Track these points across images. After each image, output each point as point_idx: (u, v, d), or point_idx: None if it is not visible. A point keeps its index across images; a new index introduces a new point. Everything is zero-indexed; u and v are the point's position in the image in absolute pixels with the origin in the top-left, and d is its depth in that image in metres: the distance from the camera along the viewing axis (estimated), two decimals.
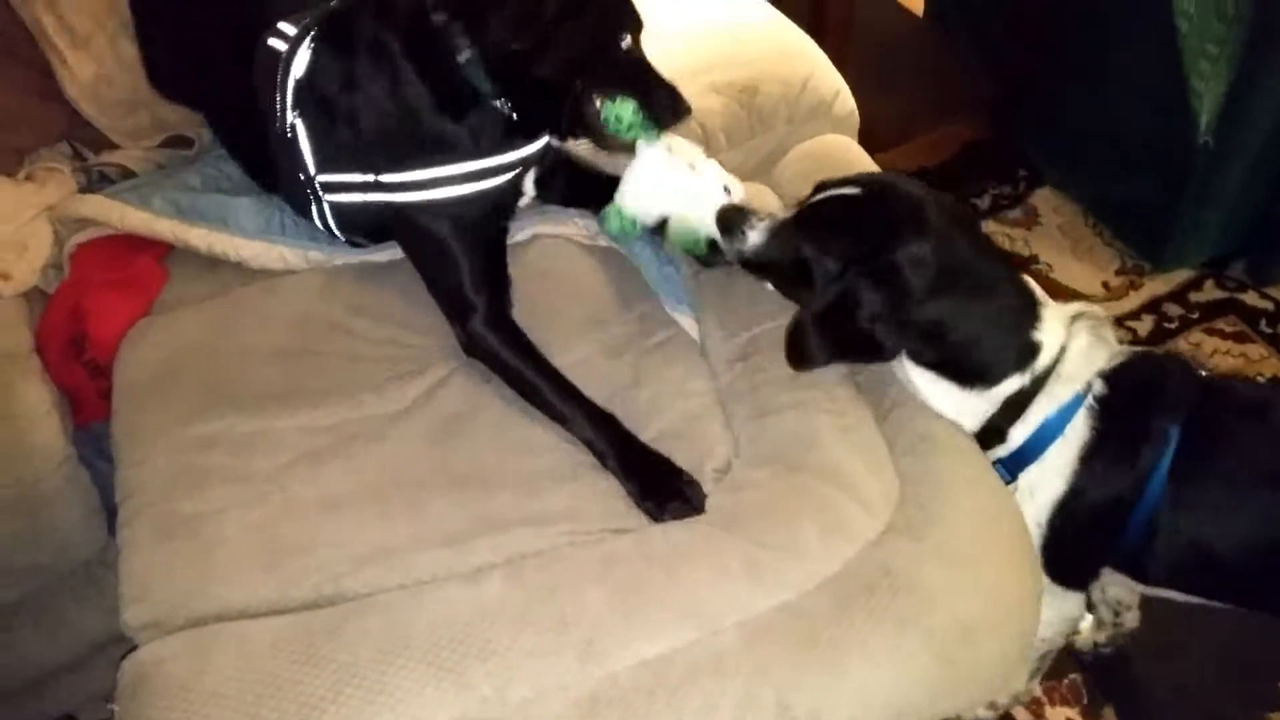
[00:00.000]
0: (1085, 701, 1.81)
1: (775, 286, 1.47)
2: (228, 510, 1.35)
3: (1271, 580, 1.39)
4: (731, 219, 1.45)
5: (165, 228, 1.65)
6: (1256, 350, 2.30)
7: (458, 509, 1.35)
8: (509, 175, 1.52)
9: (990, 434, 1.42)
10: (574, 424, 1.42)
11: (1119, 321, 2.34)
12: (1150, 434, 1.37)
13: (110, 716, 1.26)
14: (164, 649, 1.26)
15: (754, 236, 1.43)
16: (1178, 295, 2.42)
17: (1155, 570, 1.45)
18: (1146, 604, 1.78)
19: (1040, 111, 2.58)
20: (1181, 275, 2.45)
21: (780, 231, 1.41)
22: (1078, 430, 1.38)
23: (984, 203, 2.61)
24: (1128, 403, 1.37)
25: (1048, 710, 1.81)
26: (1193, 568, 1.42)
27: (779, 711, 1.17)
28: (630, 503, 1.36)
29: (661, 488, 1.35)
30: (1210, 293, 2.42)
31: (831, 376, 1.45)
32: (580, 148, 1.66)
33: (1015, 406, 1.39)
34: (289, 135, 1.52)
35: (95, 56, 1.74)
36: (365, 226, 1.58)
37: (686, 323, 1.57)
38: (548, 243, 1.64)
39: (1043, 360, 1.36)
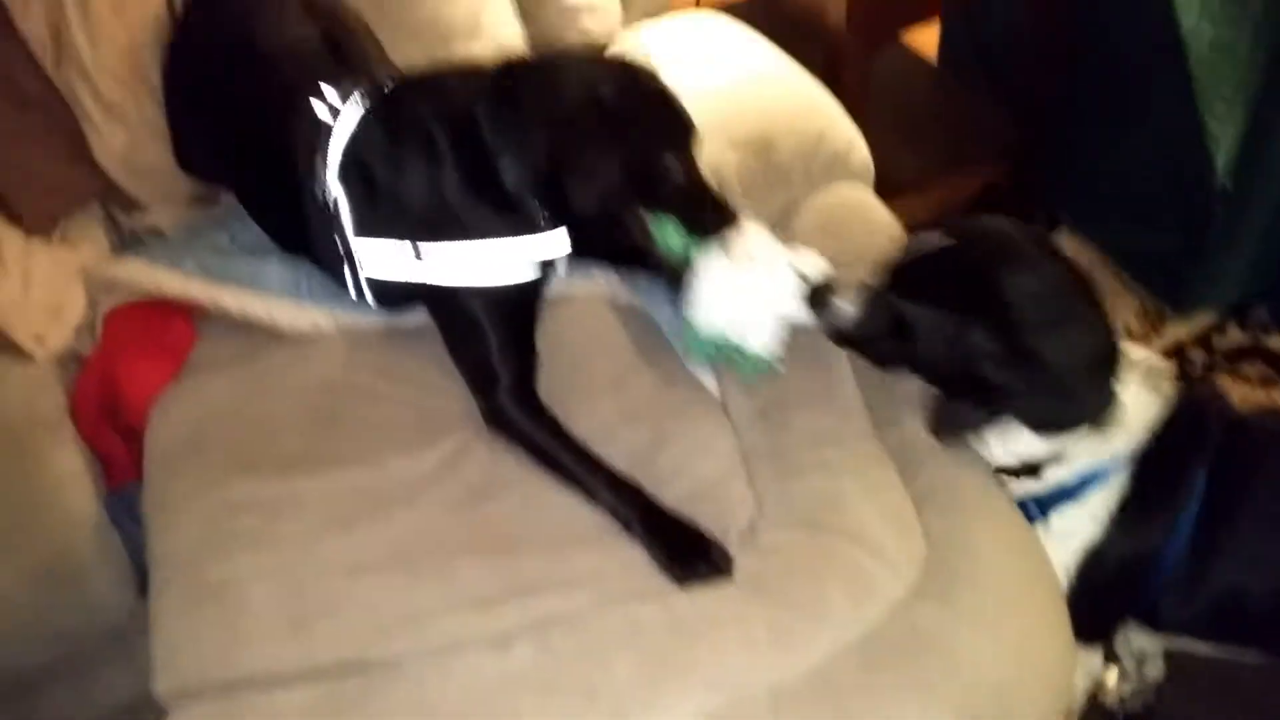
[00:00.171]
0: None
1: (872, 358, 1.43)
2: (256, 576, 1.36)
3: None
4: (820, 296, 1.40)
5: (199, 290, 1.68)
6: None
7: (484, 572, 1.36)
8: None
9: (1023, 469, 1.39)
10: (597, 494, 1.42)
11: None
12: (1184, 481, 1.35)
13: None
14: (194, 716, 1.27)
15: (846, 308, 1.38)
16: (1201, 340, 2.42)
17: (1179, 618, 1.43)
18: (1170, 654, 1.77)
19: (1058, 156, 2.59)
20: (1203, 320, 2.44)
21: (875, 297, 1.37)
22: (1119, 482, 1.36)
23: None
24: (1166, 452, 1.35)
25: None
26: (1222, 614, 1.40)
27: None
28: (656, 567, 1.37)
29: (687, 554, 1.35)
30: (1233, 337, 2.41)
31: (857, 433, 1.45)
32: None
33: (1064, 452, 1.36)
34: (329, 201, 1.53)
35: (127, 124, 1.78)
36: (397, 294, 1.59)
37: (709, 381, 1.58)
38: (570, 302, 1.65)
39: (1115, 415, 1.33)
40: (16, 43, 1.72)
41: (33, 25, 1.71)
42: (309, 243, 1.63)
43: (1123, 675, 1.79)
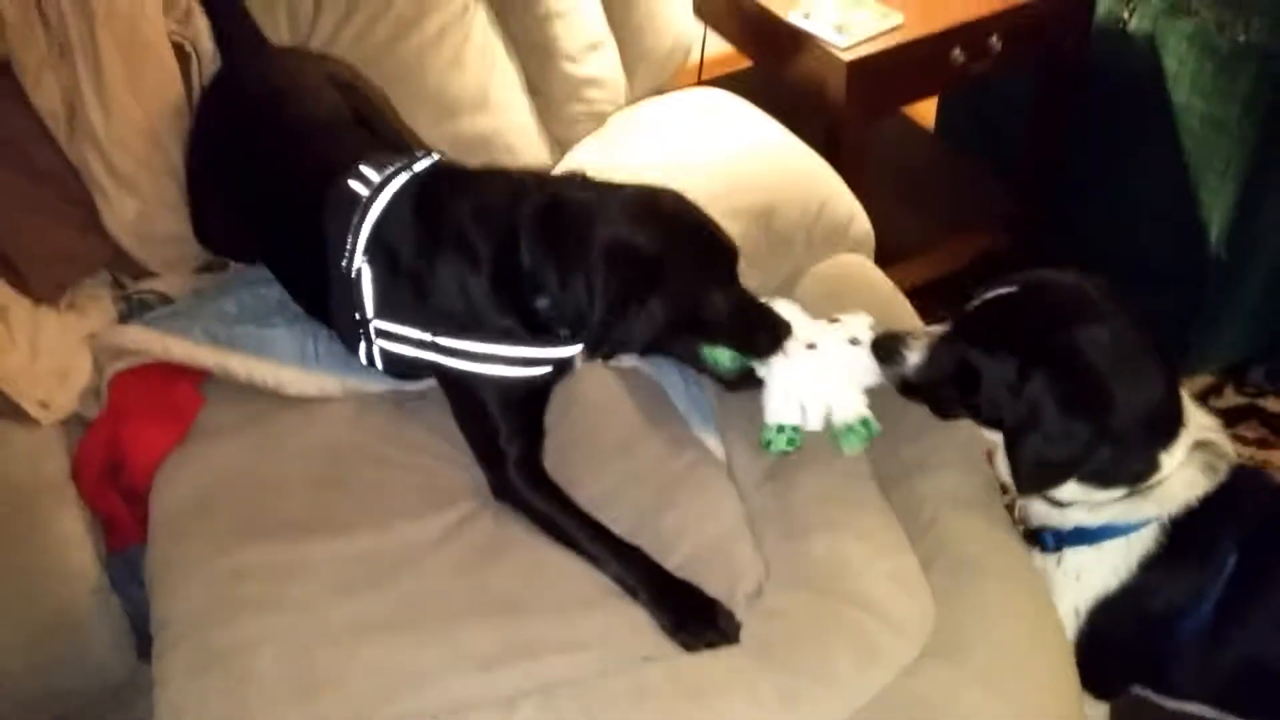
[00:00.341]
0: None
1: (937, 408, 1.44)
2: (262, 641, 1.36)
3: None
4: (886, 347, 1.43)
5: (206, 356, 1.69)
6: None
7: (490, 635, 1.35)
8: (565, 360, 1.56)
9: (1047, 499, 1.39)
10: (603, 563, 1.43)
11: None
12: (1215, 552, 1.34)
13: None
14: None
15: (913, 357, 1.41)
16: (1199, 401, 2.42)
17: (1191, 684, 1.41)
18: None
19: (1056, 223, 2.63)
20: (1201, 381, 2.47)
21: (941, 345, 1.39)
22: (1144, 537, 1.35)
23: None
24: (1201, 525, 1.34)
25: None
26: (1237, 684, 1.38)
27: None
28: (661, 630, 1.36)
29: (694, 619, 1.35)
30: (1230, 399, 2.43)
31: (863, 493, 1.46)
32: None
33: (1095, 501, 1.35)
34: (353, 277, 1.54)
35: (139, 194, 1.80)
36: (410, 370, 1.61)
37: (714, 444, 1.59)
38: (575, 371, 1.66)
39: (1153, 480, 1.32)
40: (28, 115, 1.75)
41: (45, 98, 1.74)
42: (327, 309, 1.65)
43: None
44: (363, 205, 1.54)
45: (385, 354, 1.58)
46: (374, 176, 1.57)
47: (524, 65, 2.10)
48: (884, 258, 1.99)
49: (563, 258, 1.41)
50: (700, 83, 2.49)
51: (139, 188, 1.80)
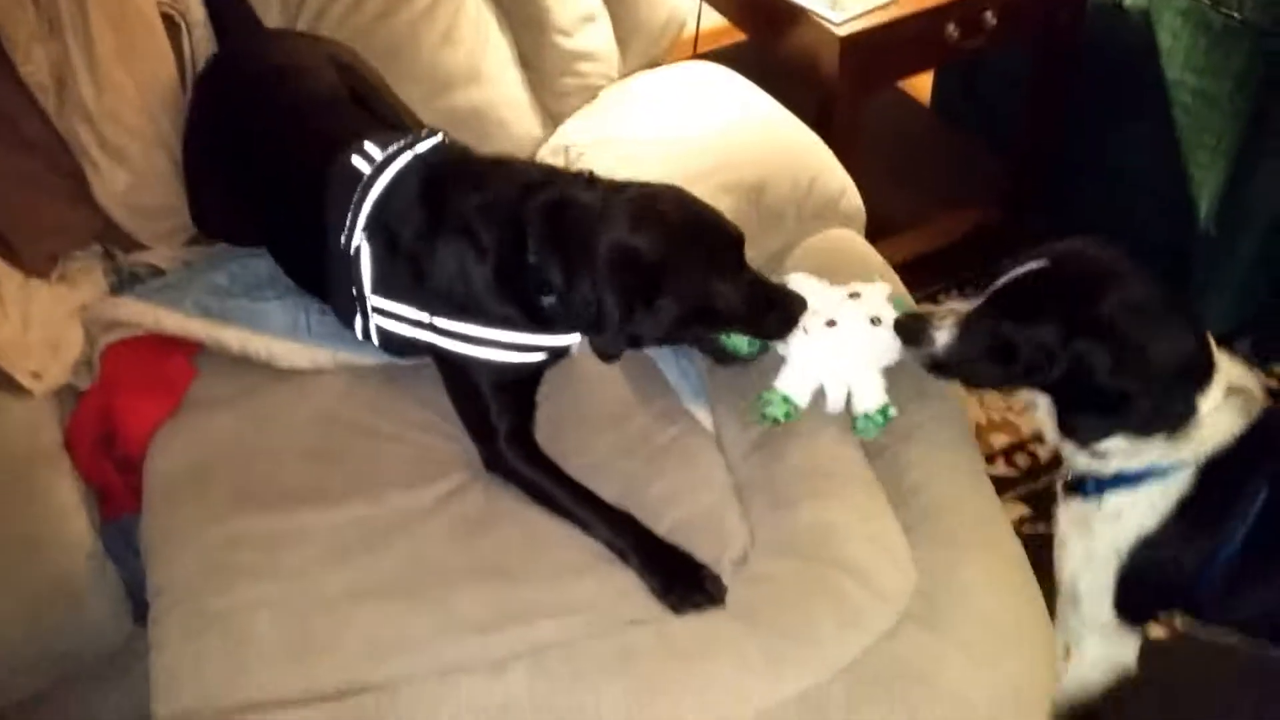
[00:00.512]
0: None
1: (968, 382, 1.48)
2: (257, 606, 1.38)
3: None
4: (911, 329, 1.45)
5: (199, 329, 1.70)
6: None
7: (482, 600, 1.37)
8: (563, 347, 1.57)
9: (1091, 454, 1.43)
10: (593, 528, 1.45)
11: None
12: (1246, 492, 1.39)
13: None
14: None
15: (941, 337, 1.42)
16: None
17: (1219, 610, 1.48)
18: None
19: (1048, 198, 2.64)
20: None
21: (971, 323, 1.41)
22: (1180, 480, 1.40)
23: None
24: (1235, 463, 1.39)
25: None
26: (1264, 612, 1.45)
27: None
28: (649, 594, 1.38)
29: (683, 582, 1.37)
30: None
31: (849, 463, 1.48)
32: None
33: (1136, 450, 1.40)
34: (352, 253, 1.55)
35: (130, 167, 1.80)
36: (407, 348, 1.61)
37: (704, 417, 1.60)
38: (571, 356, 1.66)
39: (1191, 425, 1.37)
40: (17, 87, 1.74)
41: (34, 71, 1.73)
42: (324, 285, 1.66)
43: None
44: (365, 182, 1.55)
45: (382, 332, 1.59)
46: (377, 154, 1.57)
47: (516, 39, 2.09)
48: (876, 232, 2.00)
49: (569, 260, 1.42)
50: (694, 56, 2.49)
51: (130, 159, 1.80)
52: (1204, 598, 1.46)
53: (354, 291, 1.57)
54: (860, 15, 2.11)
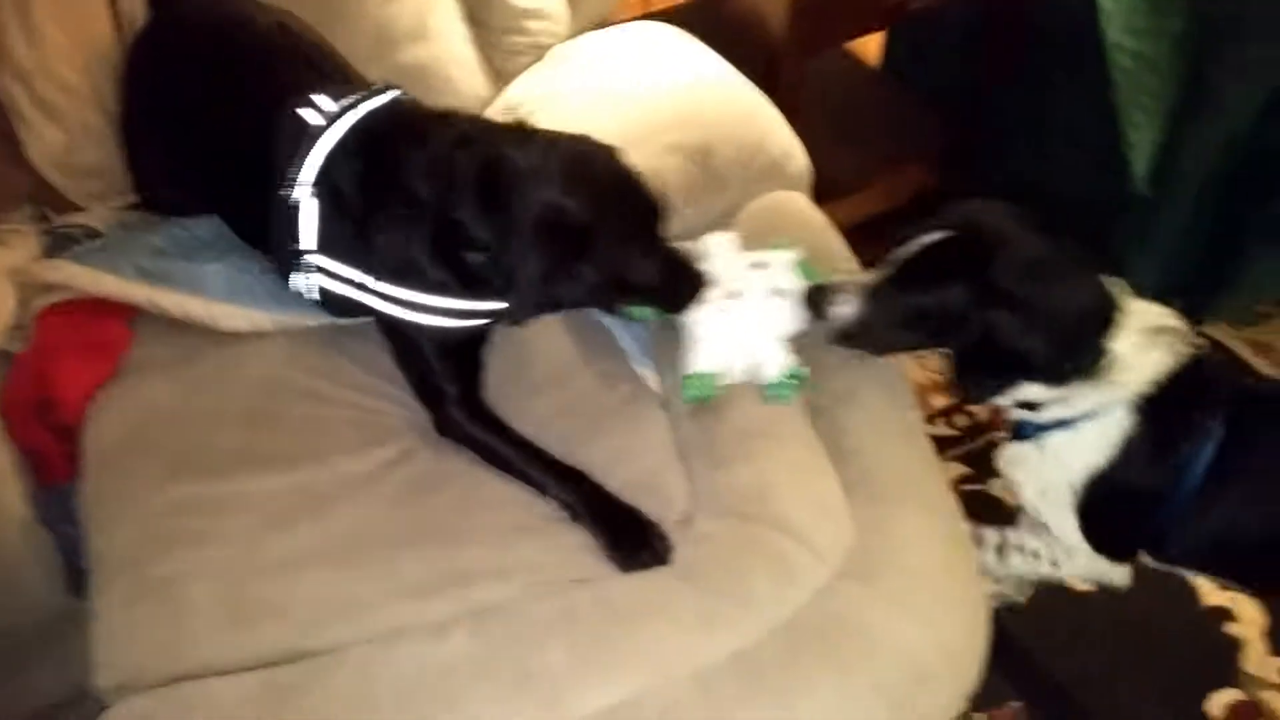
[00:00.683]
0: None
1: (872, 350, 1.51)
2: (198, 572, 1.37)
3: None
4: (816, 300, 1.47)
5: (139, 292, 1.67)
6: None
7: (425, 564, 1.38)
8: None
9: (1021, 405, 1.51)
10: (545, 486, 1.46)
11: None
12: (1191, 429, 1.46)
13: None
14: (135, 707, 1.27)
15: (846, 309, 1.45)
16: None
17: (1176, 550, 1.56)
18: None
19: (986, 160, 2.66)
20: None
21: (877, 294, 1.44)
22: (1119, 419, 1.47)
23: None
24: (1171, 402, 1.45)
25: None
26: (1218, 552, 1.54)
27: None
28: (591, 553, 1.40)
29: (631, 539, 1.39)
30: None
31: (789, 424, 1.50)
32: None
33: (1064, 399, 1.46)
34: (294, 206, 1.52)
35: (64, 125, 1.76)
36: (347, 308, 1.59)
37: (652, 378, 1.61)
38: None
39: (1109, 365, 1.42)
40: None
41: None
42: (267, 240, 1.63)
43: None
44: (312, 133, 1.53)
45: (324, 291, 1.57)
46: (328, 107, 1.55)
47: None
48: (822, 194, 2.01)
49: (497, 218, 1.41)
50: (644, 16, 2.47)
51: (64, 118, 1.76)
52: (1168, 538, 1.53)
53: (293, 247, 1.55)
54: None
